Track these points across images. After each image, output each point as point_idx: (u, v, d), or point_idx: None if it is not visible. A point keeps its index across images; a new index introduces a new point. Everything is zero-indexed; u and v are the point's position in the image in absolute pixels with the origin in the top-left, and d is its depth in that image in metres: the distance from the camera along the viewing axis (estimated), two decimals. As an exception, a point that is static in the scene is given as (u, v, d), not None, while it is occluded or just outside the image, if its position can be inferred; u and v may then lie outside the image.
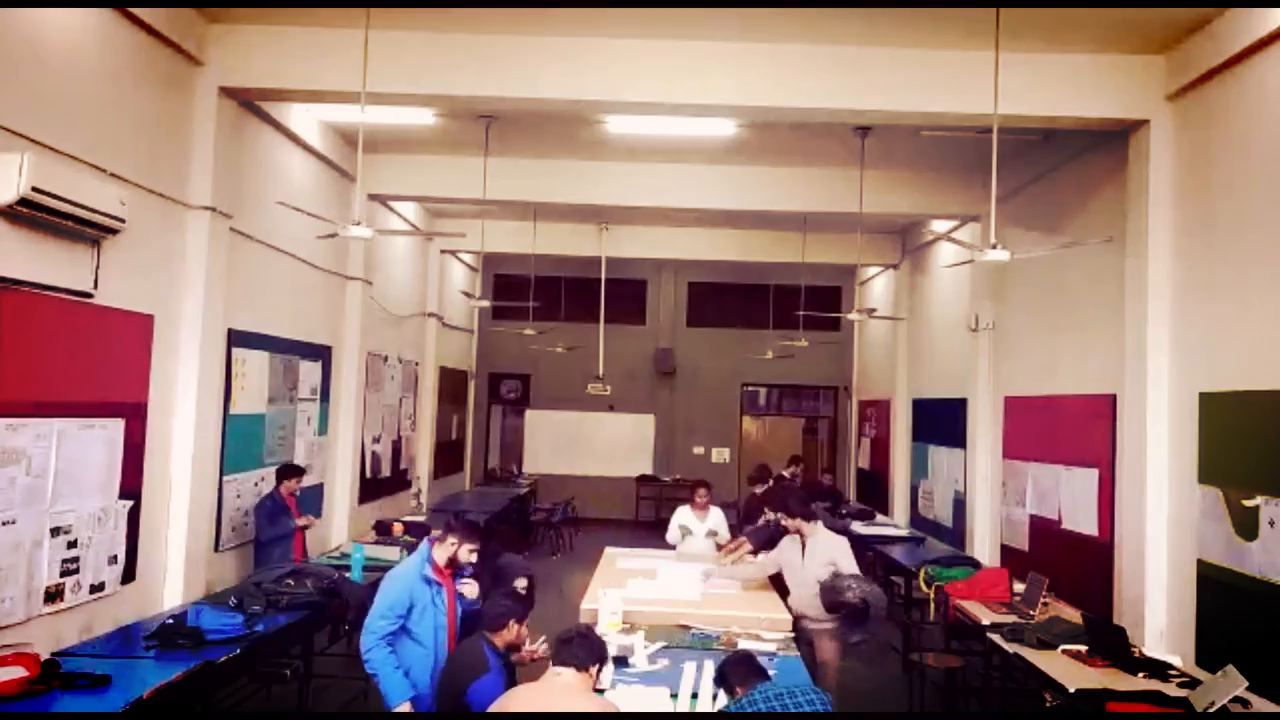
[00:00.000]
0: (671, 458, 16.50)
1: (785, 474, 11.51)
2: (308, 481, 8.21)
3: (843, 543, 5.94)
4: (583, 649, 3.62)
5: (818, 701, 3.56)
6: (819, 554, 5.83)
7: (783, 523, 6.14)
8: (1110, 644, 5.23)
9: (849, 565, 5.77)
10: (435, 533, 4.95)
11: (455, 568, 4.69)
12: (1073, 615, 6.06)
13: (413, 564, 4.61)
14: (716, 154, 9.02)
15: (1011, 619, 6.07)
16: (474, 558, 4.72)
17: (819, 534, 5.95)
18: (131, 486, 5.52)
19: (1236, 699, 4.33)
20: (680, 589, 6.06)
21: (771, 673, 4.48)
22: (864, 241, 11.12)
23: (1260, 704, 4.60)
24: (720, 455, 16.70)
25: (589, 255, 12.63)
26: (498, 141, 8.52)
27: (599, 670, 3.71)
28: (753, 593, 6.17)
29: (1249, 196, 5.32)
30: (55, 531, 4.84)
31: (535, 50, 6.25)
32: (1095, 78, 6.17)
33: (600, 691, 4.08)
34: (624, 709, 3.95)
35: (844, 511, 11.26)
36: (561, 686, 3.47)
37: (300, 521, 7.09)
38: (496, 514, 11.28)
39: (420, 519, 9.31)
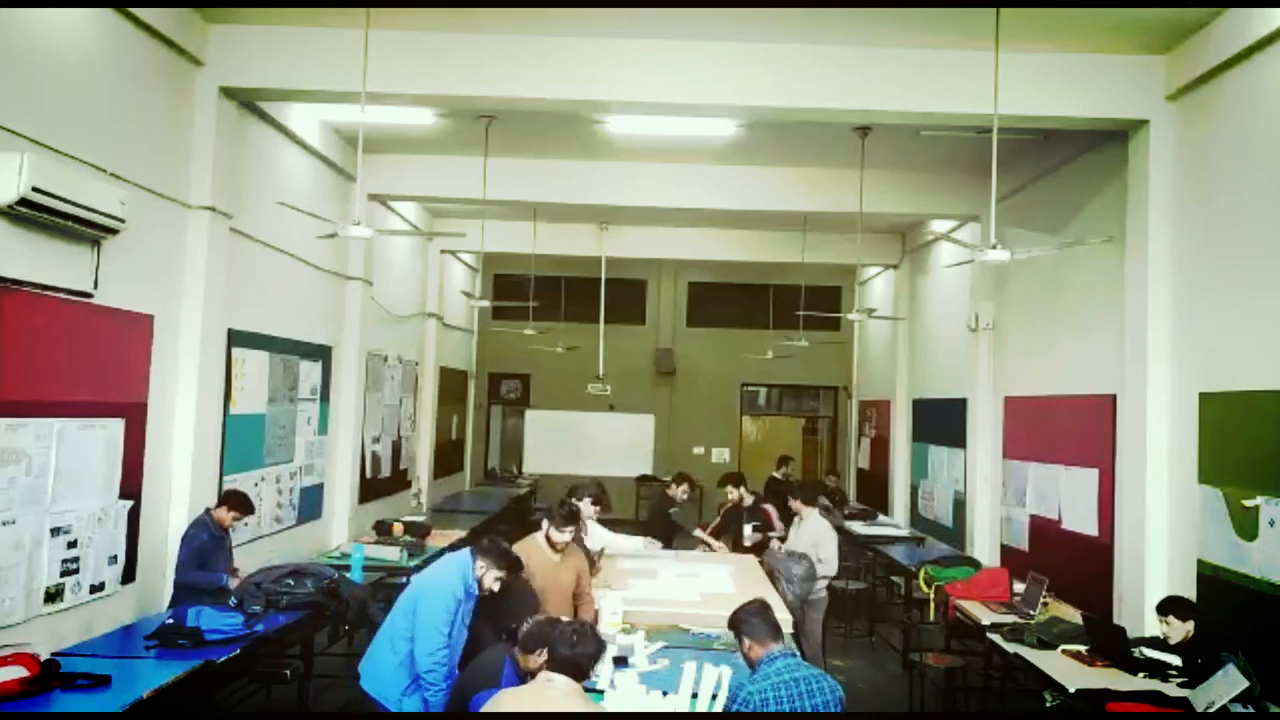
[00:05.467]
0: (671, 458, 16.49)
1: (777, 475, 11.50)
2: (308, 481, 8.24)
3: (828, 529, 6.95)
4: (583, 648, 3.47)
5: (829, 691, 3.54)
6: (806, 534, 6.87)
7: (794, 505, 7.16)
8: (1110, 644, 5.23)
9: (828, 549, 6.79)
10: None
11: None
12: (1073, 615, 6.06)
13: (456, 577, 4.40)
14: (716, 154, 9.02)
15: (1011, 619, 6.07)
16: (495, 584, 4.49)
17: (810, 518, 6.95)
18: (131, 486, 5.52)
19: (1237, 699, 4.33)
20: (680, 589, 6.06)
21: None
22: (864, 241, 11.10)
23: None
24: (720, 455, 16.69)
25: (589, 255, 12.62)
26: (498, 141, 8.52)
27: (595, 669, 3.63)
28: (754, 592, 6.16)
29: (1249, 197, 5.32)
30: (55, 531, 4.84)
31: (535, 50, 6.25)
32: (1095, 78, 6.17)
33: (600, 693, 4.08)
34: (624, 709, 3.94)
35: (845, 513, 11.25)
36: (553, 693, 3.35)
37: (232, 584, 5.55)
38: (496, 514, 11.27)
39: (420, 519, 9.30)
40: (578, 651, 3.40)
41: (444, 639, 4.29)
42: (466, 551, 4.57)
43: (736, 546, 7.88)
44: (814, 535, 6.87)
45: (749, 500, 8.22)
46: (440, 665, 4.26)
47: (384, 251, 10.19)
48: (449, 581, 4.42)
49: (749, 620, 3.77)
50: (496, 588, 4.50)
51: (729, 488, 8.26)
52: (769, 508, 8.17)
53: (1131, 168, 6.38)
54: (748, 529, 7.81)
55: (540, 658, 3.62)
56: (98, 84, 5.18)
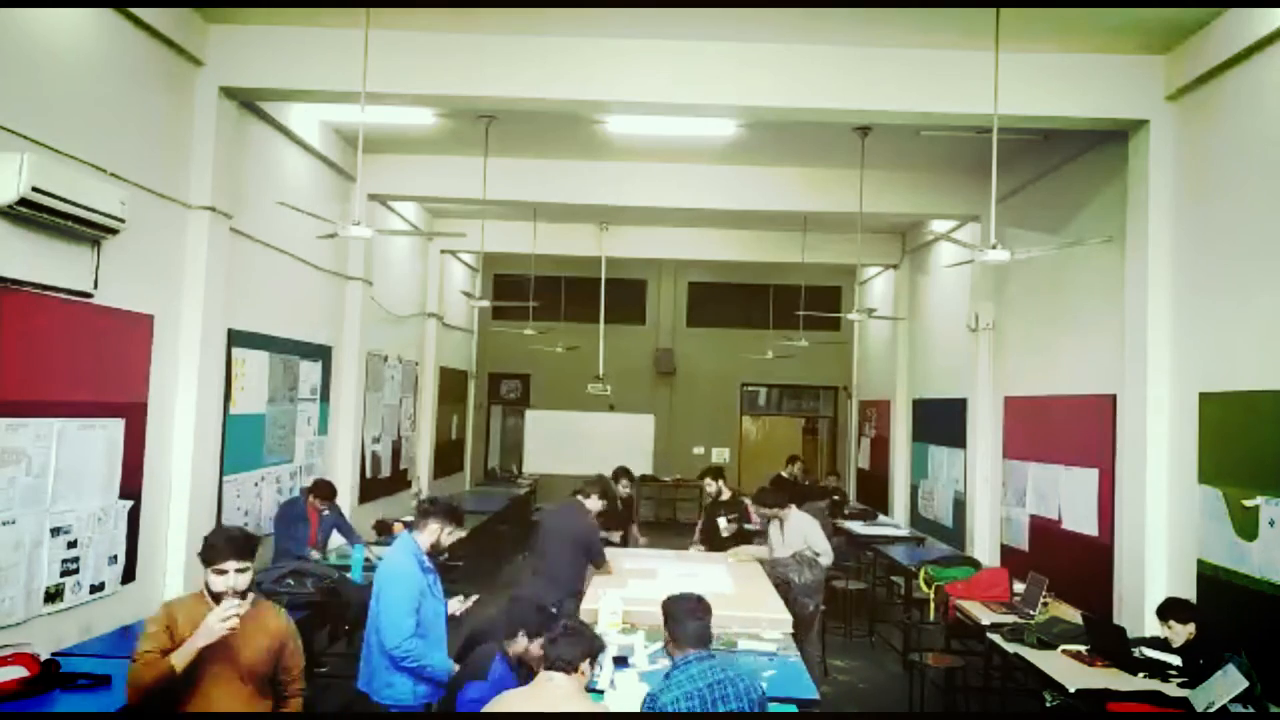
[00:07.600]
0: (671, 458, 16.50)
1: (784, 473, 11.53)
2: (308, 481, 8.23)
3: (809, 520, 7.10)
4: (572, 646, 3.48)
5: (744, 694, 3.44)
6: (794, 533, 6.93)
7: (763, 511, 7.31)
8: (1110, 644, 5.23)
9: (820, 541, 6.90)
10: (407, 519, 4.90)
11: (437, 552, 4.59)
12: (1073, 615, 6.06)
13: (406, 556, 4.46)
14: (716, 154, 9.02)
15: (1011, 619, 6.07)
16: (453, 539, 4.63)
17: (792, 517, 7.03)
18: (131, 486, 5.52)
19: (1237, 699, 4.33)
20: (680, 589, 6.05)
21: (769, 672, 4.51)
22: (864, 241, 11.11)
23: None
24: (720, 455, 16.69)
25: (589, 255, 12.62)
26: (498, 141, 8.52)
27: (592, 665, 3.61)
28: (753, 592, 6.17)
29: (1249, 196, 5.32)
30: (55, 531, 4.84)
31: (535, 50, 6.25)
32: (1095, 78, 6.17)
33: (600, 693, 4.08)
34: (624, 709, 3.94)
35: (846, 512, 11.26)
36: (553, 693, 3.35)
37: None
38: (496, 514, 11.27)
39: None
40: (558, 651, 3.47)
41: (410, 622, 4.28)
42: (405, 532, 4.64)
43: (713, 543, 7.77)
44: (801, 531, 6.91)
45: (725, 494, 8.16)
46: (412, 648, 4.26)
47: (384, 251, 10.19)
48: (400, 565, 4.43)
49: (678, 619, 3.64)
50: (453, 540, 4.64)
51: (707, 480, 8.31)
52: (746, 500, 8.15)
53: (1131, 168, 6.38)
54: (722, 521, 7.81)
55: (521, 642, 3.87)
56: (98, 84, 5.18)
